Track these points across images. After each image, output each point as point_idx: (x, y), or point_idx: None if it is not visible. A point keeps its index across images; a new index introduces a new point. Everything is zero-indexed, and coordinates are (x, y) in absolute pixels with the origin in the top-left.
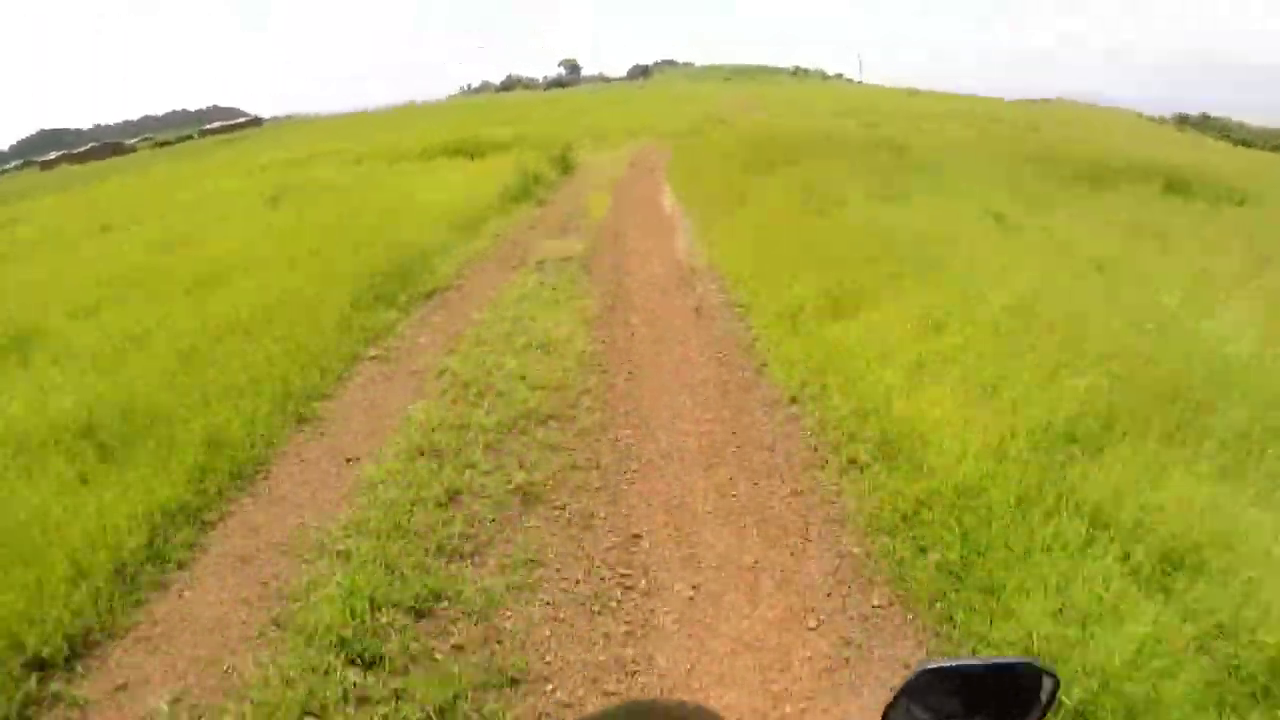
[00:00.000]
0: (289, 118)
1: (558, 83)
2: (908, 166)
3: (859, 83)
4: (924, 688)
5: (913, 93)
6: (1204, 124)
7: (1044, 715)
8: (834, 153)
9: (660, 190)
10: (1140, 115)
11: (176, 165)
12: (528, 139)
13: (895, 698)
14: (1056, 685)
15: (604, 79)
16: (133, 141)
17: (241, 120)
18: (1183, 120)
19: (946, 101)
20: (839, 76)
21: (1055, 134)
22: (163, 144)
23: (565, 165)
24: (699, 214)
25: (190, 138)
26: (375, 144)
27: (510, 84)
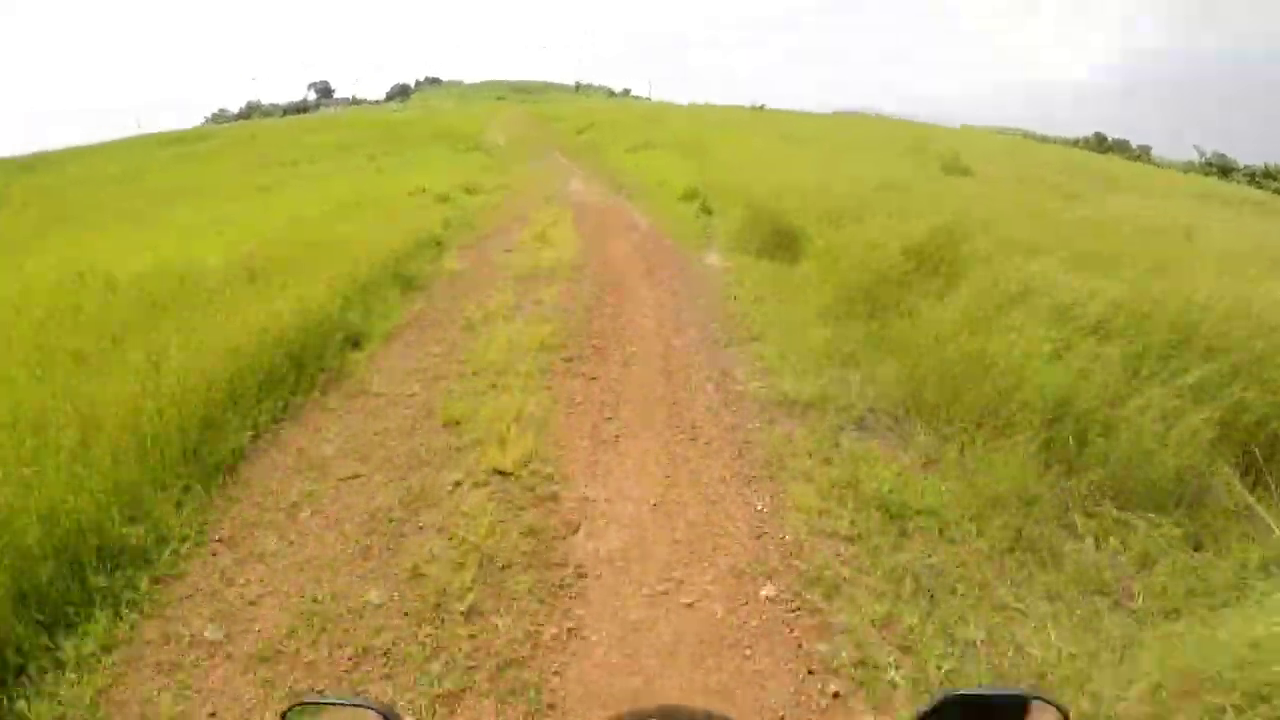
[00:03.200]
0: None
1: (300, 108)
2: None
3: (649, 99)
4: (944, 711)
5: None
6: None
7: None
8: None
9: None
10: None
11: None
12: None
13: (919, 718)
14: (1065, 718)
15: (356, 101)
16: None
17: None
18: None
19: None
20: (626, 93)
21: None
22: None
23: None
24: None
25: None
26: None
27: (249, 111)
